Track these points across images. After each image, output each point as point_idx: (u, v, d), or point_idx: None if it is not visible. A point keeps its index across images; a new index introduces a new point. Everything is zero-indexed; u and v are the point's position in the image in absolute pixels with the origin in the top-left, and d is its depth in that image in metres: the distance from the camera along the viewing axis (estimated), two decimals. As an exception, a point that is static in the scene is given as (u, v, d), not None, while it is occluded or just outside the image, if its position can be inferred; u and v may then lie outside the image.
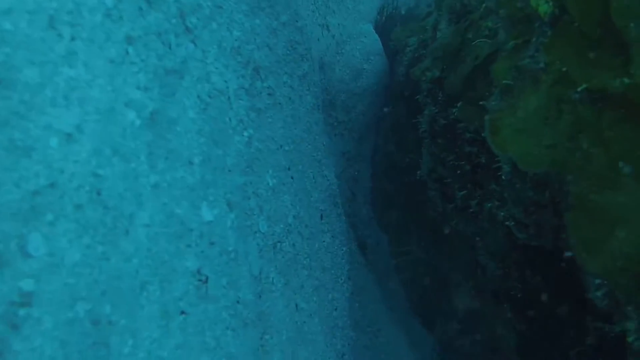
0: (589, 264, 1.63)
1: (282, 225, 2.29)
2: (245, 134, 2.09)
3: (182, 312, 1.38)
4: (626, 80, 1.49)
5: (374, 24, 5.28)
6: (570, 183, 1.66)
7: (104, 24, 1.44)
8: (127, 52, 1.49)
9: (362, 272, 4.14)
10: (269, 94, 2.46)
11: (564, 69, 1.64)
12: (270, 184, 2.24)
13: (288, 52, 2.90)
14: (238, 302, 1.75)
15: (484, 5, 2.95)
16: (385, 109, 4.86)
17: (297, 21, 3.30)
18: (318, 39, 4.32)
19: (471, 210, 2.95)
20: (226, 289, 1.65)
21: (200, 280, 1.49)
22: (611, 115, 1.55)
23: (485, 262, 3.11)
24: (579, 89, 1.61)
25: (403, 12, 5.78)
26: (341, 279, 2.89)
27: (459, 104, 2.98)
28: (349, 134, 4.76)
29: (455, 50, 3.12)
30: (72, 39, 1.33)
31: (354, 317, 3.26)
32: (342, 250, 3.03)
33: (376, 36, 4.95)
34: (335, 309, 2.70)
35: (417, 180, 3.67)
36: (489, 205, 2.77)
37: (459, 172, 3.10)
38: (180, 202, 1.48)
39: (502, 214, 2.57)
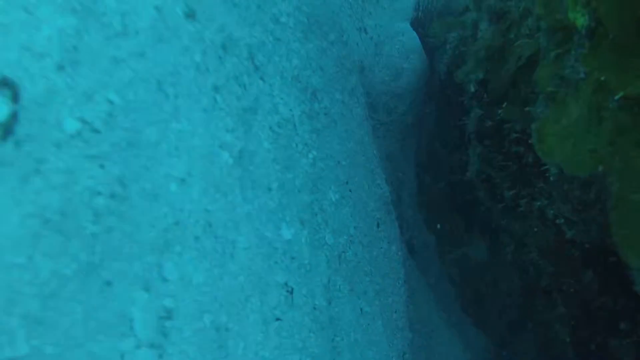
0: (632, 260, 1.88)
1: (345, 237, 2.62)
2: (310, 155, 2.43)
3: (277, 319, 1.73)
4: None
5: (411, 21, 5.51)
6: (611, 184, 1.91)
7: (196, 78, 1.79)
8: (216, 100, 1.84)
9: (414, 274, 4.41)
10: (325, 114, 2.78)
11: (602, 78, 1.90)
12: (333, 199, 2.57)
13: (338, 69, 3.22)
14: (315, 308, 2.09)
15: (522, 4, 3.19)
16: (427, 110, 5.11)
17: (342, 36, 3.61)
18: (357, 44, 4.61)
19: (521, 209, 3.20)
20: (306, 297, 1.99)
21: (288, 291, 1.84)
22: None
23: (537, 260, 3.36)
24: (616, 97, 1.86)
25: (439, 6, 5.99)
26: (399, 283, 3.20)
27: (504, 105, 3.23)
28: (392, 135, 5.03)
29: (498, 51, 3.37)
30: (176, 96, 1.68)
31: (409, 319, 3.57)
32: (398, 255, 3.34)
33: (414, 33, 5.17)
34: (395, 312, 3.02)
35: (464, 180, 3.93)
36: (538, 203, 3.02)
37: (507, 172, 3.36)
38: (266, 225, 1.83)
39: (551, 212, 2.83)
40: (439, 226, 4.75)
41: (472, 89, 3.70)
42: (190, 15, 1.80)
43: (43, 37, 1.29)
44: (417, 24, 5.56)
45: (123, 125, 1.39)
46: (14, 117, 1.14)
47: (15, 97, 1.17)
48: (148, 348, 1.27)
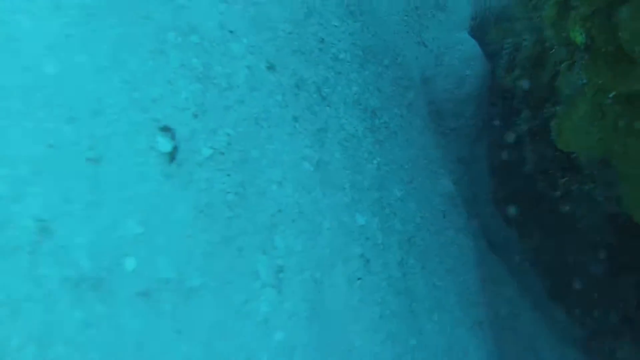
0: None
1: (412, 225, 3.24)
2: (374, 161, 3.09)
3: (359, 279, 2.39)
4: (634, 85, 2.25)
5: (469, 30, 6.06)
6: (617, 165, 2.42)
7: (280, 112, 2.53)
8: (295, 127, 2.56)
9: (497, 268, 4.87)
10: (386, 127, 3.44)
11: (600, 82, 2.42)
12: (398, 195, 3.20)
13: (394, 88, 3.89)
14: (390, 277, 2.72)
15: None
16: (494, 112, 5.61)
17: (397, 58, 4.29)
18: (417, 57, 5.23)
19: (574, 194, 3.68)
20: (382, 268, 2.63)
21: (365, 261, 2.50)
22: (636, 110, 2.30)
23: (599, 239, 3.79)
24: (610, 95, 2.38)
25: (496, 13, 6.49)
26: (469, 265, 3.74)
27: (546, 106, 3.76)
28: (462, 139, 5.54)
29: (537, 58, 3.91)
30: (268, 127, 2.42)
31: (490, 303, 4.06)
32: (467, 241, 3.88)
33: (473, 41, 5.71)
34: (468, 288, 3.56)
35: (528, 174, 4.43)
36: (586, 187, 3.49)
37: (558, 162, 3.84)
38: (344, 213, 2.51)
39: (597, 192, 3.30)
40: (514, 220, 5.20)
41: (520, 93, 4.24)
42: (271, 67, 2.55)
43: (183, 98, 2.07)
44: (476, 32, 6.10)
45: (237, 148, 2.14)
46: (174, 149, 1.92)
47: (173, 137, 1.94)
48: (270, 287, 1.98)
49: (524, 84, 3.96)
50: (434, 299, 3.11)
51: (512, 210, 5.32)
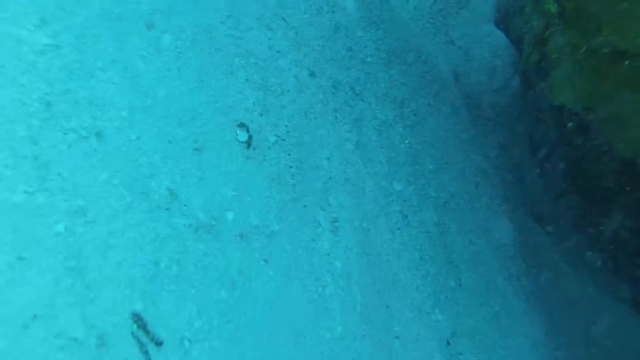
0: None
1: (446, 192, 3.93)
2: (406, 142, 3.82)
3: (398, 229, 3.12)
4: (600, 39, 2.90)
5: (494, 22, 6.70)
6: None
7: (323, 107, 3.31)
8: (336, 117, 3.34)
9: (547, 251, 5.40)
10: (414, 114, 4.17)
11: (573, 41, 3.07)
12: (431, 168, 3.91)
13: (420, 81, 4.62)
14: (428, 232, 3.42)
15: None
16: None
17: (420, 57, 5.02)
18: (447, 55, 5.93)
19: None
20: (419, 224, 3.35)
21: (403, 216, 3.23)
22: (604, 60, 2.94)
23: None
24: (582, 50, 3.03)
25: (519, 1, 7.08)
26: (504, 228, 4.37)
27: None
28: (501, 128, 6.14)
29: (540, 35, 4.56)
30: (315, 118, 3.22)
31: (528, 261, 4.66)
32: (501, 208, 4.51)
33: (499, 32, 6.35)
34: (503, 246, 4.18)
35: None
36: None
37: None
38: (382, 180, 3.26)
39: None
40: (563, 200, 5.73)
41: (533, 68, 4.90)
42: (312, 74, 3.34)
43: (251, 103, 2.90)
44: (501, 23, 6.73)
45: (294, 135, 2.94)
46: (250, 138, 2.73)
47: (247, 130, 2.76)
48: (328, 231, 2.75)
49: (534, 58, 4.61)
50: (471, 253, 3.78)
51: (560, 190, 5.87)
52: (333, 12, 3.91)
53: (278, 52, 3.23)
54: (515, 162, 6.10)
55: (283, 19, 3.41)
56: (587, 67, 3.03)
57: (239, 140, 2.69)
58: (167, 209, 2.29)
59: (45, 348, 1.73)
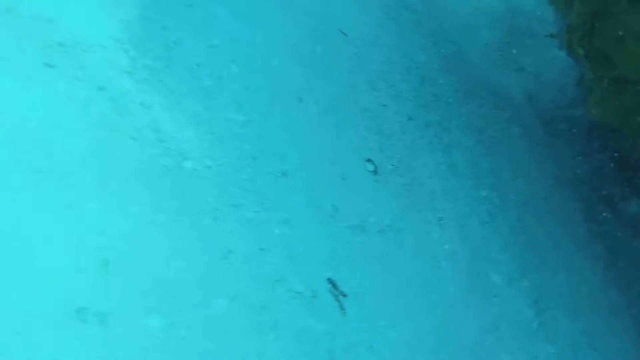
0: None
1: (523, 195, 5.18)
2: (487, 159, 5.11)
3: (486, 222, 4.43)
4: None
5: (559, 45, 7.87)
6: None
7: (422, 142, 4.71)
8: (431, 146, 4.73)
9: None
10: (491, 137, 5.46)
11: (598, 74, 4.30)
12: (509, 177, 5.17)
13: (493, 109, 5.92)
14: (511, 225, 4.68)
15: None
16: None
17: (492, 89, 6.33)
18: (519, 82, 7.18)
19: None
20: (503, 218, 4.64)
21: (490, 213, 4.54)
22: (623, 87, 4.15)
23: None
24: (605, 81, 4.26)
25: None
26: (579, 221, 5.50)
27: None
28: (575, 140, 7.23)
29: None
30: (417, 149, 4.61)
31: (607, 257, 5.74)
32: (575, 205, 5.64)
33: (563, 54, 7.52)
34: (581, 237, 5.31)
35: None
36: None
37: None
38: (470, 190, 4.59)
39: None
40: None
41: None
42: (410, 118, 4.76)
43: (369, 147, 4.35)
44: (565, 46, 7.89)
45: (404, 163, 4.38)
46: (375, 168, 4.17)
47: (373, 163, 4.20)
48: (437, 226, 4.10)
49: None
50: (550, 239, 4.96)
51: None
52: (418, 67, 5.35)
53: (384, 105, 4.68)
54: (591, 168, 7.17)
55: (384, 80, 4.88)
56: (612, 92, 4.22)
57: (368, 170, 4.13)
58: (333, 217, 3.76)
59: (285, 298, 3.19)
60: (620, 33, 3.97)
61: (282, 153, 3.81)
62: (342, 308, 3.36)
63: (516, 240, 4.60)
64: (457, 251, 4.11)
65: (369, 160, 4.22)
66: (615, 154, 6.70)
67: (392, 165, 4.30)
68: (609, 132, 7.08)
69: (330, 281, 3.42)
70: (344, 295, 3.42)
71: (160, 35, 3.85)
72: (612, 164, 7.01)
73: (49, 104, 3.14)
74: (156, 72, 3.63)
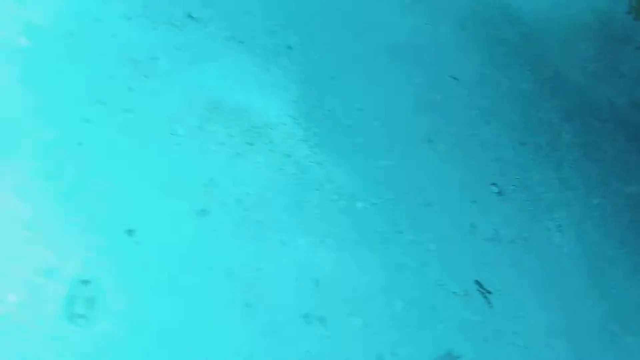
0: None
1: (636, 199, 6.00)
2: (595, 170, 6.01)
3: (600, 226, 5.32)
4: None
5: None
6: None
7: (543, 169, 5.71)
8: (542, 165, 5.71)
9: None
10: (598, 150, 6.35)
11: None
12: (619, 185, 6.03)
13: (597, 123, 6.79)
14: (625, 227, 5.54)
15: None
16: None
17: (593, 103, 7.18)
18: (620, 89, 7.92)
19: None
20: (616, 222, 5.50)
21: (603, 218, 5.42)
22: None
23: None
24: None
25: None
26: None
27: None
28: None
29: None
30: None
31: None
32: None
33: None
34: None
35: None
36: None
37: None
38: (583, 199, 5.52)
39: None
40: None
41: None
42: (522, 144, 5.77)
43: (488, 183, 5.42)
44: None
45: (523, 183, 5.39)
46: (500, 190, 5.23)
47: (497, 186, 5.27)
48: (557, 232, 5.08)
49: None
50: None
51: None
52: (522, 96, 6.37)
53: (499, 135, 5.75)
54: None
55: (495, 113, 5.95)
56: None
57: (493, 192, 5.21)
58: (472, 233, 4.86)
59: (446, 298, 4.34)
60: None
61: (424, 187, 4.98)
62: (488, 302, 4.44)
63: (629, 238, 5.46)
64: (576, 252, 5.08)
65: (493, 184, 5.30)
66: None
67: (513, 185, 5.35)
68: None
69: (477, 282, 4.52)
70: (489, 292, 4.51)
71: (319, 107, 5.16)
72: None
73: (256, 172, 4.50)
74: (322, 137, 4.93)
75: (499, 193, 5.26)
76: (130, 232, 3.74)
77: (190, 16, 5.36)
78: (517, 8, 7.51)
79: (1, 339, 3.11)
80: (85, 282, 3.37)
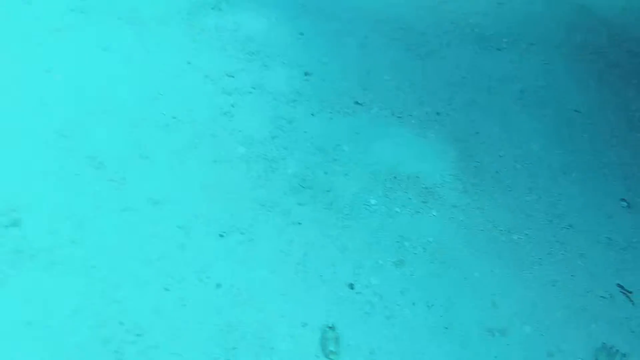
0: None
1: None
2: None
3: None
4: None
5: None
6: None
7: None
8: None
9: None
10: None
11: None
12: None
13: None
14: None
15: None
16: None
17: None
18: None
19: None
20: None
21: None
22: None
23: None
24: None
25: None
26: None
27: None
28: None
29: None
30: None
31: None
32: None
33: None
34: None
35: None
36: None
37: None
38: None
39: None
40: None
41: None
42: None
43: (628, 187, 6.72)
44: None
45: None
46: (628, 204, 6.53)
47: (625, 200, 6.56)
48: (625, 208, 6.31)
49: None
50: None
51: None
52: (636, 112, 7.55)
53: (622, 156, 7.02)
54: None
55: (615, 136, 7.20)
56: None
57: (623, 206, 6.52)
58: (608, 245, 6.23)
59: (596, 300, 5.79)
60: None
61: (565, 212, 6.42)
62: (631, 301, 5.83)
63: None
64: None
65: (622, 199, 6.62)
66: None
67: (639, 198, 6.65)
68: None
69: (619, 285, 5.92)
70: (630, 292, 5.89)
71: (470, 161, 6.74)
72: None
73: (433, 223, 6.17)
74: (478, 186, 6.53)
75: (628, 207, 6.57)
76: (351, 285, 5.55)
77: (356, 102, 7.16)
78: (621, 25, 8.57)
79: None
80: (331, 328, 5.18)
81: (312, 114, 6.96)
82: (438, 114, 7.19)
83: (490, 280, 5.78)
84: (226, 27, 7.30)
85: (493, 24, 8.41)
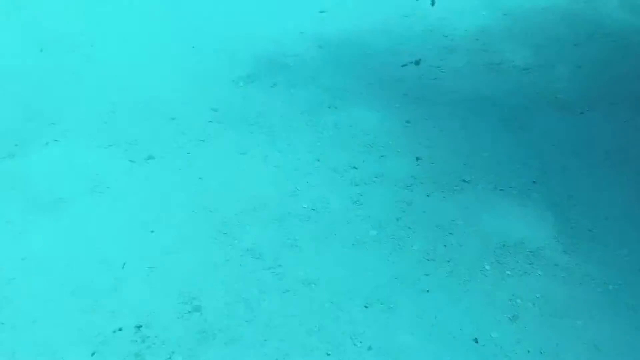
0: None
1: None
2: None
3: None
4: None
5: None
6: None
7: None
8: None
9: None
10: None
11: None
12: None
13: None
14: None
15: None
16: None
17: None
18: None
19: None
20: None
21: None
22: None
23: None
24: None
25: None
26: None
27: None
28: None
29: None
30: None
31: None
32: None
33: None
34: None
35: None
36: None
37: None
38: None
39: None
40: None
41: None
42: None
43: None
44: None
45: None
46: None
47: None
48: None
49: None
50: None
51: None
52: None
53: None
54: None
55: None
56: None
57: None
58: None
59: None
60: None
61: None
62: None
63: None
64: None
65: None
66: None
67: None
68: None
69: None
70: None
71: (567, 222, 8.06)
72: None
73: (539, 282, 7.65)
74: (575, 245, 7.92)
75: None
76: (475, 340, 6.99)
77: (463, 180, 8.58)
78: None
79: None
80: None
81: (427, 195, 8.33)
82: (534, 182, 8.62)
83: (591, 326, 7.19)
84: (343, 123, 8.51)
85: (574, 88, 9.68)
